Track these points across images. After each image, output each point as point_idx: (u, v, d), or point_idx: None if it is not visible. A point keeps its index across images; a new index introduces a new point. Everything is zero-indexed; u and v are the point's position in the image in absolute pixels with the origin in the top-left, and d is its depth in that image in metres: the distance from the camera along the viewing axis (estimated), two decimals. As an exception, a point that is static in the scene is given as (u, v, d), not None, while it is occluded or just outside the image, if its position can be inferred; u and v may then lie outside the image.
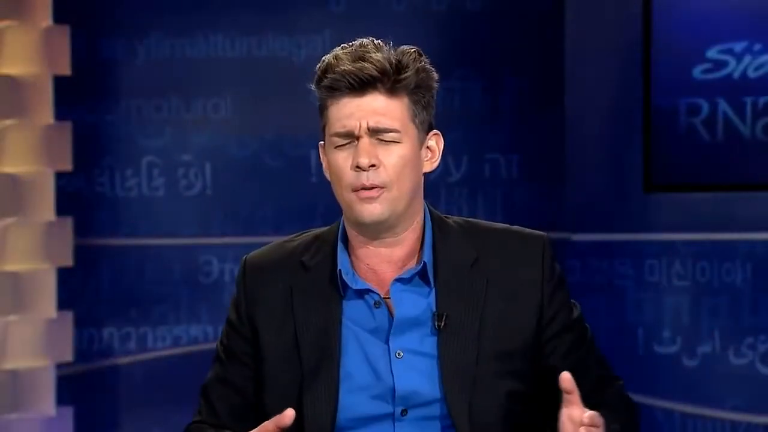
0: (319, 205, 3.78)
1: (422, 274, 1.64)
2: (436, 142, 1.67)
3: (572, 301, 1.70)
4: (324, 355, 1.62)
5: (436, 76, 1.67)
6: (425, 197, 1.73)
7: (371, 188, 1.59)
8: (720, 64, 3.87)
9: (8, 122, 3.67)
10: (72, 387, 3.80)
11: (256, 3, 4.02)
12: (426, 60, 1.64)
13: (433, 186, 4.20)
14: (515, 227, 1.73)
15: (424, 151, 1.66)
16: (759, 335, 3.67)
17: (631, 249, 3.75)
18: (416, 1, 3.97)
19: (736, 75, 3.84)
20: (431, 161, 1.68)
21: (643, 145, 4.25)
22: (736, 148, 3.82)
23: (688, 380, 3.64)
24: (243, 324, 1.68)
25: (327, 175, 1.68)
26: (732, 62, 3.86)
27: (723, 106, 3.85)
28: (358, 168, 1.59)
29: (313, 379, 1.62)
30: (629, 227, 3.82)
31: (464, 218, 1.72)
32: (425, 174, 1.72)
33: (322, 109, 1.65)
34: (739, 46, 3.84)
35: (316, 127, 1.72)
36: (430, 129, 1.67)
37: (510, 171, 4.02)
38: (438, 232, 1.67)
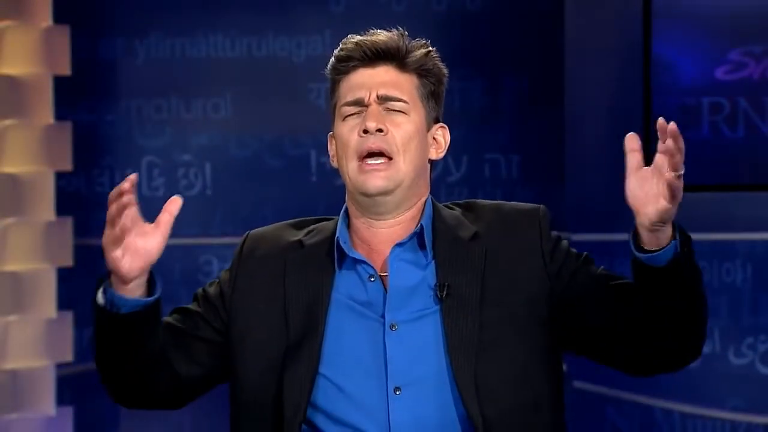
0: (319, 205, 3.78)
1: (420, 241, 1.66)
2: (442, 134, 1.71)
3: (582, 252, 1.73)
4: (309, 328, 1.62)
5: (445, 71, 1.71)
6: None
7: (377, 154, 1.62)
8: (740, 66, 3.88)
9: (8, 122, 3.67)
10: (72, 387, 3.80)
11: (256, 3, 4.03)
12: (435, 54, 1.70)
13: (433, 186, 4.18)
14: (512, 202, 1.76)
15: (431, 138, 1.69)
16: (759, 335, 3.67)
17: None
18: (416, 1, 3.97)
19: (755, 76, 3.85)
20: (437, 150, 1.71)
21: (643, 145, 4.25)
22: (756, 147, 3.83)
23: (688, 380, 3.64)
24: (229, 288, 1.69)
25: (333, 163, 1.71)
26: (751, 64, 3.87)
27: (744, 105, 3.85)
28: (365, 132, 1.62)
29: (295, 353, 1.62)
30: (629, 227, 3.81)
31: (462, 201, 1.75)
32: (432, 164, 1.75)
33: (333, 90, 1.69)
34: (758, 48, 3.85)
35: (316, 127, 1.74)
36: (438, 120, 1.71)
37: (510, 171, 4.02)
38: (437, 211, 1.70)
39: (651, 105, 4.00)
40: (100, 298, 1.58)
